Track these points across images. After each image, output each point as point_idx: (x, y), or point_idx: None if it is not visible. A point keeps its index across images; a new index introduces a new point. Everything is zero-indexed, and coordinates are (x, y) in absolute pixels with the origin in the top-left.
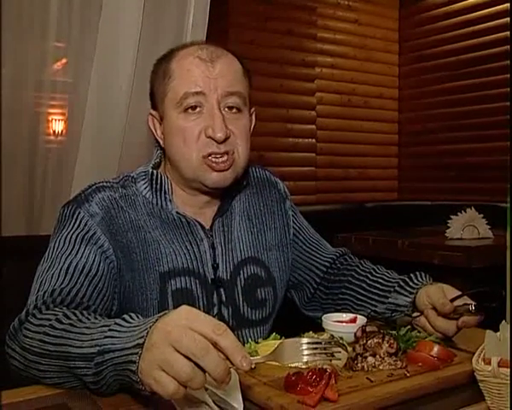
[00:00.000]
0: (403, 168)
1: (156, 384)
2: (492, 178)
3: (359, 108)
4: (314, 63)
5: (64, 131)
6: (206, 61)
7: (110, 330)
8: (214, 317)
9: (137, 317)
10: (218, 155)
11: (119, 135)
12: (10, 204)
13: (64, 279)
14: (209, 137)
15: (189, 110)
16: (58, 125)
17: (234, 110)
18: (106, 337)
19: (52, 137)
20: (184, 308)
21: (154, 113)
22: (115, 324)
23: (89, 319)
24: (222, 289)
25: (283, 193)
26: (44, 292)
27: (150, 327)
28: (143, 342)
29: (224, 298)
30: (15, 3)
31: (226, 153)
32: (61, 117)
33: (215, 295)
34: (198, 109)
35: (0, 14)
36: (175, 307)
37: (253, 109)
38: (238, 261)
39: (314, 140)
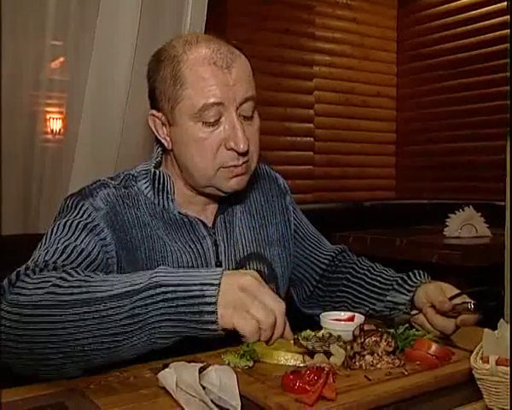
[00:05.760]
0: (401, 167)
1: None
2: (490, 176)
3: (357, 106)
4: (312, 62)
5: (61, 130)
6: (223, 67)
7: (156, 272)
8: None
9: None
10: (238, 166)
11: (116, 134)
12: (7, 203)
13: (60, 257)
14: (230, 149)
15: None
16: (55, 124)
17: (248, 117)
18: (157, 275)
19: (49, 136)
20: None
21: (157, 114)
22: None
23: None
24: None
25: (283, 188)
26: (35, 261)
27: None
28: (219, 283)
29: None
30: (12, 1)
31: (244, 162)
32: (58, 116)
33: None
34: (216, 120)
35: None
36: None
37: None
38: (241, 258)
39: (312, 139)
